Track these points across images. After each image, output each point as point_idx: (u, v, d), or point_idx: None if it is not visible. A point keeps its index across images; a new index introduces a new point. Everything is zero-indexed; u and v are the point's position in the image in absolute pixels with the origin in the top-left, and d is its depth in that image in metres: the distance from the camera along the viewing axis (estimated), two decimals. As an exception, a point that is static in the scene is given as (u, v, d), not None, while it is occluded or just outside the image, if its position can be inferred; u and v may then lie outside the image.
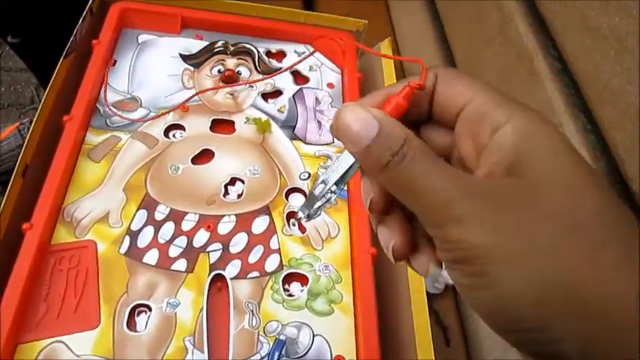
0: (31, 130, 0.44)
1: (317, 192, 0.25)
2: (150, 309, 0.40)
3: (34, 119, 0.45)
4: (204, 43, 0.56)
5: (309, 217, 0.26)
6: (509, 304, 0.19)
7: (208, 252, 0.42)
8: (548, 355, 0.19)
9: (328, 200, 0.25)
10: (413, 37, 0.72)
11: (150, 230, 0.43)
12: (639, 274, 0.18)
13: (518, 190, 0.20)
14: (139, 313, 0.40)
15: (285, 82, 0.55)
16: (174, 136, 0.49)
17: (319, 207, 0.26)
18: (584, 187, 0.19)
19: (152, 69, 0.53)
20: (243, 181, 0.47)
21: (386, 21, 0.75)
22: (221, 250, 0.43)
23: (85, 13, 0.54)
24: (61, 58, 0.49)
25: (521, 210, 0.19)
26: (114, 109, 0.49)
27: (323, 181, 0.25)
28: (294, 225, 0.46)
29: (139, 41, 0.55)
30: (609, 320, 0.17)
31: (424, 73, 0.23)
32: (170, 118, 0.50)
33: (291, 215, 0.46)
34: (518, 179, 0.20)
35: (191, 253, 0.42)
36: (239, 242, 0.43)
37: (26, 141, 0.43)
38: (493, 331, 0.20)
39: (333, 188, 0.25)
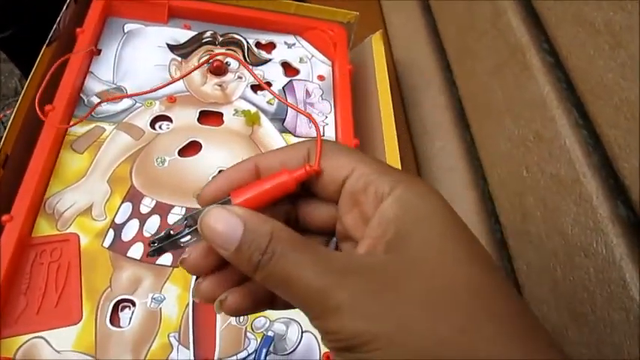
0: (11, 120, 0.43)
1: (171, 223, 0.24)
2: (134, 304, 0.38)
3: (15, 109, 0.43)
4: (193, 33, 0.55)
5: (158, 251, 0.24)
6: None
7: (195, 246, 0.41)
8: None
9: (178, 240, 0.23)
10: (404, 30, 0.71)
11: (135, 223, 0.42)
12: (513, 348, 0.18)
13: (396, 269, 0.19)
14: (123, 308, 0.39)
15: (275, 73, 0.54)
16: (160, 127, 0.48)
17: (169, 243, 0.24)
18: (460, 263, 0.19)
19: (138, 59, 0.52)
20: (231, 174, 0.46)
21: (377, 13, 0.74)
22: (208, 245, 0.42)
23: (68, 0, 0.52)
24: (44, 47, 0.48)
25: (398, 290, 0.18)
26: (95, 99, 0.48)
27: (186, 218, 0.23)
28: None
29: (125, 30, 0.54)
30: None
31: (318, 156, 0.22)
32: (156, 109, 0.48)
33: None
34: (397, 256, 0.20)
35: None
36: (226, 236, 0.42)
37: (6, 131, 0.42)
38: None
39: (186, 234, 0.23)
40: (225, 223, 0.20)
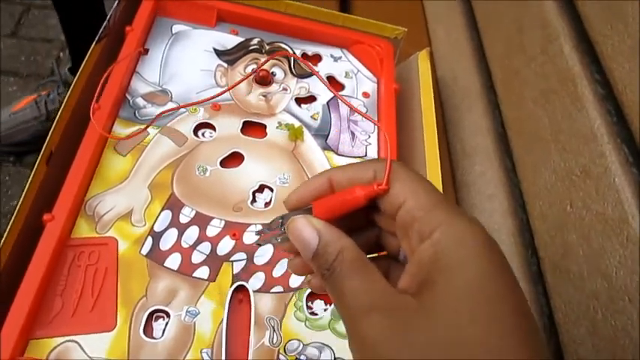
0: (58, 116, 0.43)
1: (269, 223, 0.27)
2: (168, 315, 0.38)
3: (62, 105, 0.43)
4: (240, 39, 0.55)
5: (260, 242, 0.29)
6: None
7: (232, 261, 0.41)
8: None
9: (273, 239, 0.27)
10: (448, 46, 0.70)
11: (173, 232, 0.41)
12: None
13: (425, 315, 0.20)
14: (157, 318, 0.38)
15: (319, 87, 0.54)
16: (203, 135, 0.48)
17: (265, 241, 0.28)
18: (474, 323, 0.19)
19: (185, 62, 0.51)
20: (271, 189, 0.45)
21: (422, 29, 0.73)
22: (245, 261, 0.41)
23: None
24: (93, 43, 0.48)
25: (425, 332, 0.20)
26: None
27: (282, 217, 0.26)
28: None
29: (173, 31, 0.53)
30: None
31: (388, 174, 0.24)
32: (200, 116, 0.48)
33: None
34: (427, 303, 0.20)
35: (214, 261, 0.41)
36: (264, 254, 0.42)
37: (52, 127, 0.42)
38: None
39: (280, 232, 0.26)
40: (305, 233, 0.24)
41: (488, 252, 0.21)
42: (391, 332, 0.20)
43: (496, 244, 0.22)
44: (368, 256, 0.24)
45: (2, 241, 0.37)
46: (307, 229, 0.24)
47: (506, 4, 0.62)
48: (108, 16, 0.50)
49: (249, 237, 0.42)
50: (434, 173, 0.49)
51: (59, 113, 0.43)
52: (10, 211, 0.97)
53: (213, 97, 0.41)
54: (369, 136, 0.51)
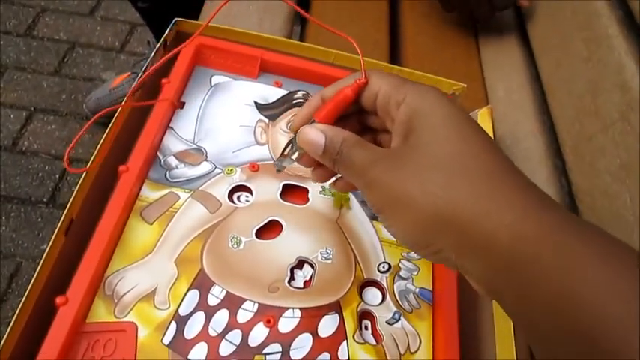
0: (81, 180, 0.39)
1: (282, 150, 0.34)
2: (190, 420, 0.33)
3: (87, 167, 0.39)
4: (283, 92, 0.50)
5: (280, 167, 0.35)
6: (409, 235, 0.27)
7: (265, 354, 0.35)
8: (441, 259, 0.27)
9: (289, 160, 0.33)
10: (509, 103, 0.64)
11: (200, 317, 0.36)
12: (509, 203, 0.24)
13: (411, 152, 0.27)
14: (177, 423, 0.33)
15: (368, 147, 0.48)
16: (239, 199, 0.43)
17: (282, 162, 0.34)
18: (458, 140, 0.26)
19: (223, 116, 0.47)
20: (312, 266, 0.40)
21: (480, 84, 0.68)
22: (280, 354, 0.36)
23: (157, 46, 0.48)
24: (127, 95, 0.44)
25: (413, 166, 0.26)
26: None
27: (290, 141, 0.33)
28: (366, 329, 0.39)
29: (212, 83, 0.49)
30: (477, 232, 0.24)
31: (364, 71, 0.30)
32: (237, 178, 0.43)
33: (364, 316, 0.39)
34: (409, 144, 0.27)
35: (245, 353, 0.35)
36: (302, 345, 0.36)
37: (75, 192, 0.38)
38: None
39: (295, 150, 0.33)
40: (312, 136, 0.30)
41: (447, 101, 0.27)
42: (391, 169, 0.26)
43: (453, 99, 0.28)
44: None
45: (9, 328, 0.32)
46: (313, 132, 0.30)
47: (578, 63, 0.56)
48: (143, 67, 0.46)
49: (285, 324, 0.37)
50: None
51: (82, 177, 0.39)
52: (39, 254, 0.94)
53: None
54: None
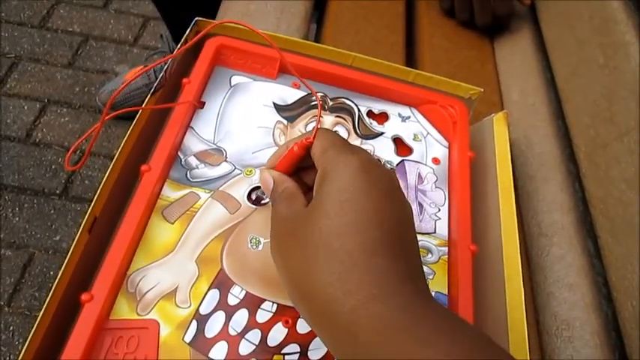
0: (104, 180, 0.39)
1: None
2: (209, 417, 0.34)
3: (110, 168, 0.40)
4: (302, 93, 0.51)
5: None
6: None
7: (284, 354, 0.36)
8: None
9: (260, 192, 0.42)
10: (524, 108, 0.64)
11: (221, 317, 0.37)
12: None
13: (305, 219, 0.29)
14: (197, 420, 0.34)
15: (385, 150, 0.49)
16: (257, 200, 0.43)
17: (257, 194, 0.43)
18: (339, 215, 0.28)
19: (242, 117, 0.48)
20: (330, 268, 0.41)
21: (494, 88, 0.68)
22: (299, 354, 0.36)
23: (179, 45, 0.49)
24: (148, 96, 0.45)
25: (300, 233, 0.29)
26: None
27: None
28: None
29: (232, 83, 0.50)
30: (325, 313, 0.26)
31: (315, 132, 0.33)
32: (256, 179, 0.44)
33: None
34: (309, 209, 0.30)
35: (264, 353, 0.36)
36: (320, 346, 0.37)
37: (98, 191, 0.39)
38: None
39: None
40: (265, 180, 0.35)
41: (354, 174, 0.29)
42: (290, 232, 0.30)
43: (370, 166, 0.29)
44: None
45: (35, 325, 0.33)
46: (266, 177, 0.35)
47: (594, 69, 0.56)
48: (164, 67, 0.47)
49: (304, 325, 0.38)
50: (512, 254, 0.43)
51: (105, 176, 0.39)
52: (52, 246, 0.96)
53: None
54: (439, 210, 0.46)
